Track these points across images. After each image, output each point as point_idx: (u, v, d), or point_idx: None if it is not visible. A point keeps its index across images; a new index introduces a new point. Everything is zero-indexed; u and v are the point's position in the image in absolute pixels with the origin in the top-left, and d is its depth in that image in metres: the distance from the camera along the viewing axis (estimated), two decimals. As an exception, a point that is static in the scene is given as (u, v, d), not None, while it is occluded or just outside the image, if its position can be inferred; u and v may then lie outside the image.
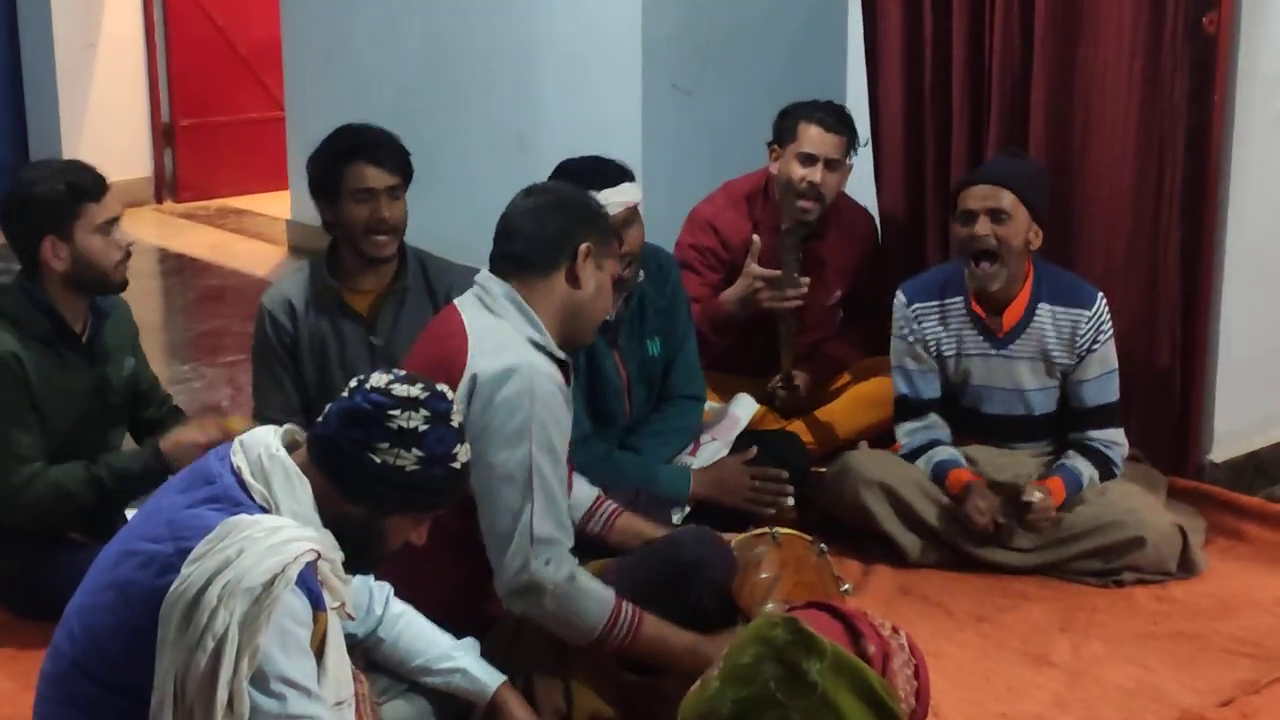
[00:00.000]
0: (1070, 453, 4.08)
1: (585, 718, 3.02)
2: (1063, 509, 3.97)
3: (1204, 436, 4.50)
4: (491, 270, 3.10)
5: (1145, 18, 4.22)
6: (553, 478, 2.93)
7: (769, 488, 3.83)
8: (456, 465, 2.48)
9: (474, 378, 2.91)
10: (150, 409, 3.95)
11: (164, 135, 9.27)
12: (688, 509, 3.82)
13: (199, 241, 8.52)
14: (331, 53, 7.64)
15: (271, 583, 2.28)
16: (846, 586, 3.44)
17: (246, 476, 2.43)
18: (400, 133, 3.91)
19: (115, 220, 3.64)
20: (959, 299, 4.11)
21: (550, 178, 3.61)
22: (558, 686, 3.02)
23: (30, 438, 3.57)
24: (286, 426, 2.55)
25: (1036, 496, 3.90)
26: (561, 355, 3.04)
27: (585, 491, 3.43)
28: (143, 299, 6.35)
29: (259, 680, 2.31)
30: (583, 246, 3.05)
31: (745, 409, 4.17)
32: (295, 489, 2.44)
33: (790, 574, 3.26)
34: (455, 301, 3.13)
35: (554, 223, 3.07)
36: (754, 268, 4.27)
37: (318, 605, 2.37)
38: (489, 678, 2.86)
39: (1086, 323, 4.03)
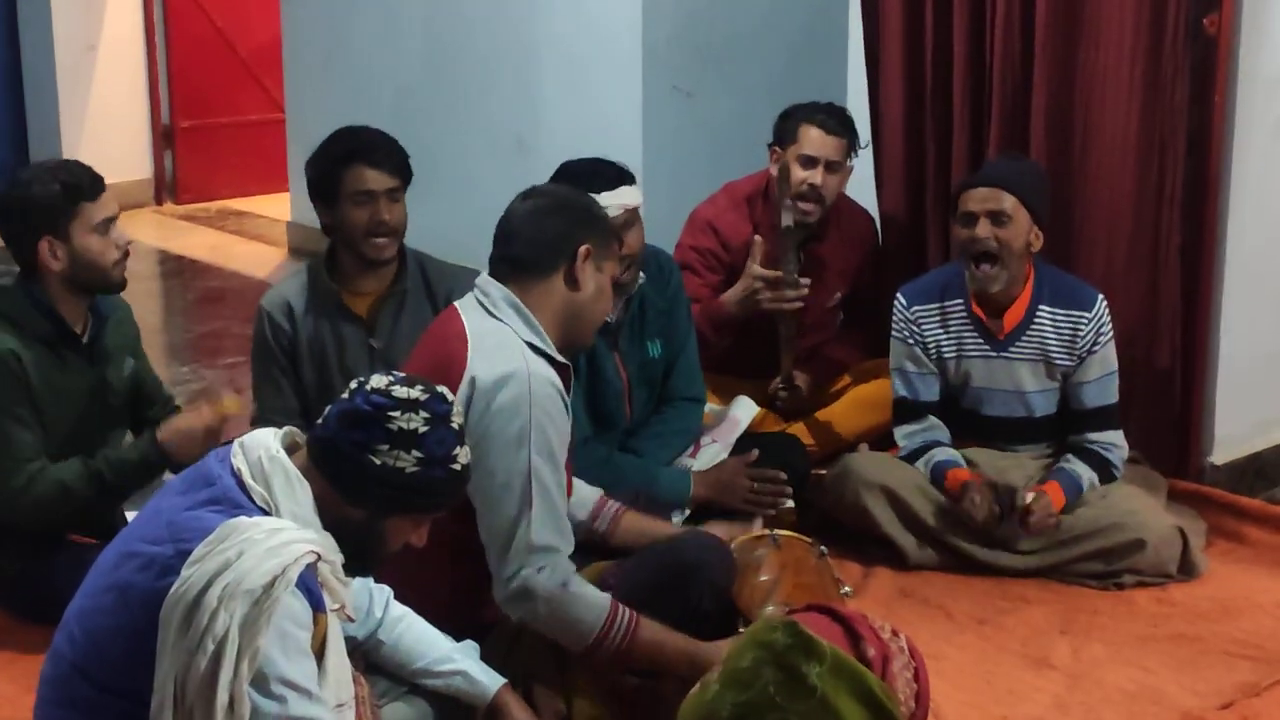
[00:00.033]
0: (1069, 456, 4.08)
1: (585, 720, 3.03)
2: (1063, 513, 3.97)
3: (1204, 439, 4.50)
4: (491, 273, 3.10)
5: (1146, 20, 4.22)
6: (551, 483, 2.93)
7: (768, 489, 3.83)
8: (456, 467, 2.48)
9: (473, 381, 2.91)
10: (154, 409, 3.95)
11: (164, 137, 9.28)
12: (688, 511, 3.82)
13: (199, 243, 8.52)
14: (331, 54, 7.64)
15: (271, 585, 2.28)
16: (847, 589, 3.43)
17: (246, 478, 2.43)
18: (400, 134, 3.91)
19: (112, 219, 3.64)
20: (959, 301, 4.11)
21: (551, 179, 3.61)
22: (557, 690, 3.02)
23: (31, 436, 3.57)
24: (286, 429, 2.55)
25: (1030, 498, 3.89)
26: (561, 359, 3.04)
27: (589, 490, 3.43)
28: (143, 301, 6.36)
29: (259, 682, 2.30)
30: (581, 248, 3.04)
31: (745, 411, 4.16)
32: (295, 491, 2.44)
33: (790, 576, 3.26)
34: (456, 304, 3.12)
35: (552, 225, 3.07)
36: (755, 268, 4.28)
37: (318, 607, 2.37)
38: (489, 680, 2.85)
39: (1087, 325, 4.03)
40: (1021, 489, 4.00)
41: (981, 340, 4.10)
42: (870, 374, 4.62)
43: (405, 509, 2.50)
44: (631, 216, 3.61)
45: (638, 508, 3.56)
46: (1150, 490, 4.18)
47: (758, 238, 4.33)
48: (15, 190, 3.61)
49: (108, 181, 3.69)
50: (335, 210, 3.78)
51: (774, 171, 4.44)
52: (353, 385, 2.49)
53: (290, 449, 2.50)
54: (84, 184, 3.60)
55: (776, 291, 4.28)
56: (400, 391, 2.45)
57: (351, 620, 2.63)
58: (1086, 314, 4.03)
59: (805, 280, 4.32)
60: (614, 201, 3.51)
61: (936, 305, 4.14)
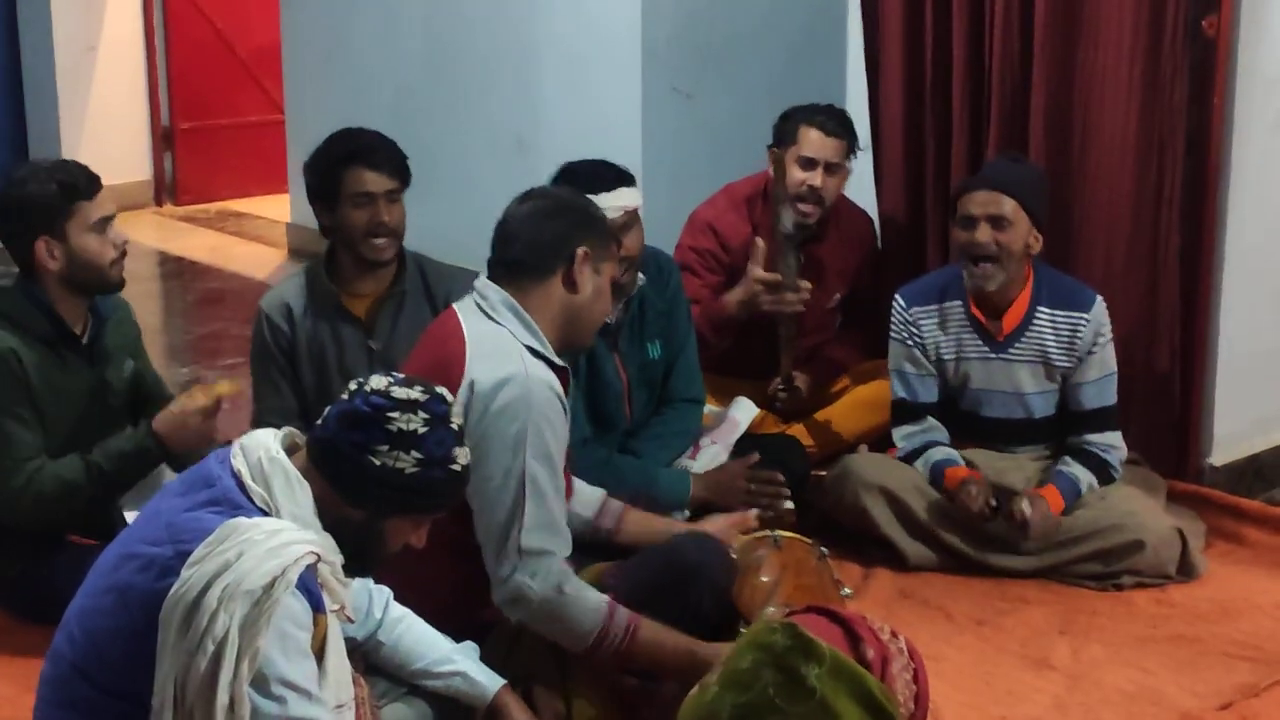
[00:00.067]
0: (1067, 458, 4.08)
1: (584, 721, 3.03)
2: (1062, 515, 3.96)
3: (1203, 439, 4.50)
4: (489, 276, 3.10)
5: (1145, 21, 4.23)
6: (547, 487, 2.93)
7: (765, 490, 3.82)
8: (456, 468, 2.49)
9: (471, 384, 2.91)
10: (155, 409, 3.94)
11: (164, 138, 9.27)
12: (687, 513, 3.82)
13: (198, 244, 8.52)
14: (331, 55, 7.64)
15: (271, 585, 2.28)
16: (847, 590, 3.43)
17: (246, 479, 2.43)
18: (400, 134, 3.91)
19: (109, 219, 3.63)
20: (958, 303, 4.11)
21: (552, 181, 3.61)
22: (557, 690, 3.02)
23: (31, 436, 3.57)
24: (286, 430, 2.55)
25: (1026, 506, 3.87)
26: (560, 362, 3.04)
27: (591, 490, 3.43)
28: (142, 302, 6.35)
29: (259, 683, 2.31)
30: (579, 251, 3.04)
31: (745, 412, 4.16)
32: (295, 492, 2.44)
33: (790, 577, 3.26)
34: (454, 306, 3.12)
35: (550, 227, 3.07)
36: (756, 271, 4.27)
37: (318, 608, 2.37)
38: (489, 681, 2.85)
39: (1086, 326, 4.03)
40: (1022, 489, 4.00)
41: (980, 342, 4.10)
42: (869, 375, 4.62)
43: (405, 510, 2.50)
44: (631, 218, 3.61)
45: (638, 509, 3.57)
46: (1149, 491, 4.18)
47: (759, 240, 4.32)
48: (12, 190, 3.60)
49: (107, 183, 3.69)
50: (335, 212, 3.77)
51: (772, 172, 4.44)
52: (352, 386, 2.50)
53: (290, 450, 2.50)
54: (80, 183, 3.60)
55: (777, 295, 4.28)
56: (399, 392, 2.45)
57: (351, 621, 2.64)
58: (1085, 315, 4.03)
59: (806, 284, 4.32)
60: (614, 203, 3.51)
61: (935, 307, 4.14)
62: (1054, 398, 4.12)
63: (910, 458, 4.14)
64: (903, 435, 4.18)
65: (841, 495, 4.11)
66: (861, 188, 4.81)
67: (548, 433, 2.92)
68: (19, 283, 3.66)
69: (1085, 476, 4.02)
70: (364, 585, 2.82)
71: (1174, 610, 3.85)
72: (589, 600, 2.94)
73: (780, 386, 4.47)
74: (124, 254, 3.68)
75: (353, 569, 2.52)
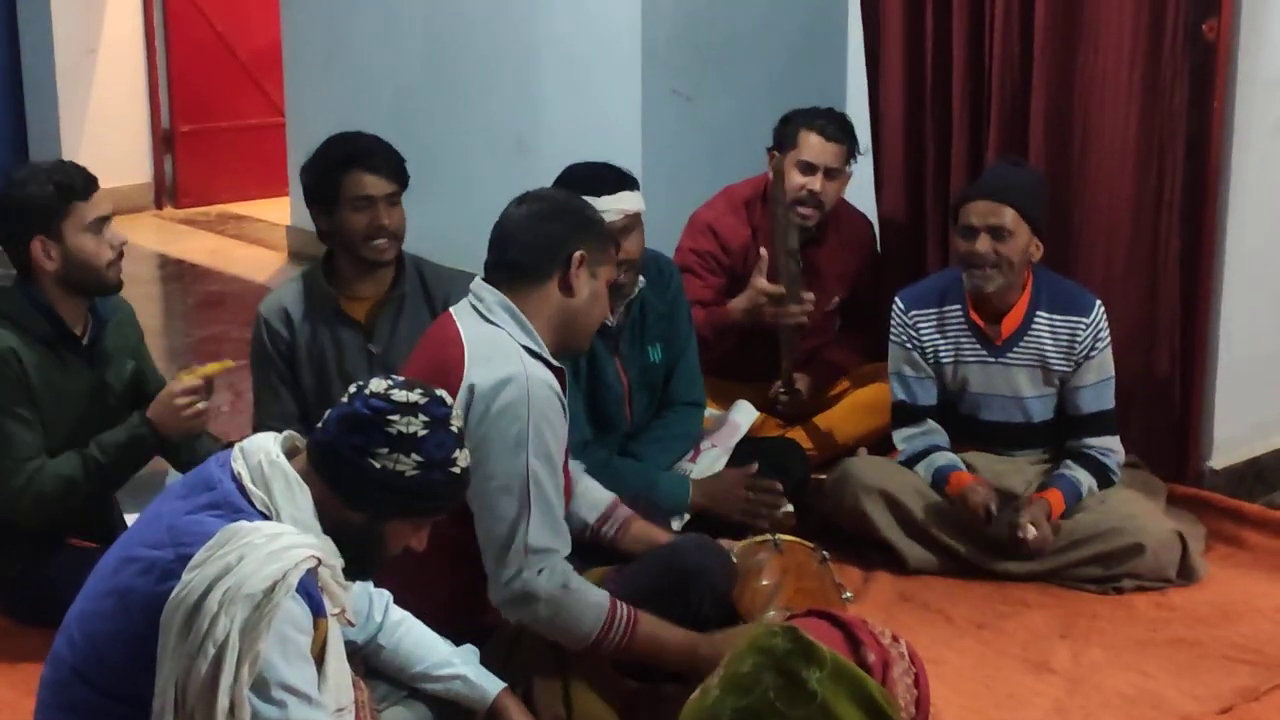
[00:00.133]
0: (1068, 462, 4.07)
1: (584, 724, 3.03)
2: (1062, 519, 3.96)
3: (1204, 443, 4.50)
4: (486, 279, 3.10)
5: (1145, 24, 4.22)
6: (549, 486, 2.93)
7: (763, 499, 3.82)
8: (456, 470, 2.49)
9: (471, 388, 2.91)
10: None
11: (164, 141, 9.26)
12: (687, 517, 3.82)
13: (199, 247, 8.52)
14: (331, 57, 7.64)
15: (272, 589, 2.28)
16: (848, 594, 3.43)
17: (247, 483, 2.43)
18: (400, 135, 3.91)
19: (106, 219, 3.63)
20: (957, 307, 4.11)
21: (554, 183, 3.61)
22: (557, 693, 3.02)
23: (31, 436, 3.57)
24: (286, 433, 2.55)
25: (1031, 533, 3.87)
26: (557, 363, 3.04)
27: (601, 495, 3.41)
28: (142, 304, 6.32)
29: (260, 687, 2.31)
30: (576, 254, 3.04)
31: (745, 416, 4.16)
32: (295, 495, 2.44)
33: (791, 581, 3.26)
34: (451, 309, 3.12)
35: (547, 230, 3.07)
36: (760, 282, 4.26)
37: (318, 612, 2.37)
38: (489, 684, 2.86)
39: (1084, 330, 4.03)
40: (1022, 492, 4.00)
41: (979, 346, 4.10)
42: (869, 378, 4.62)
43: (405, 512, 2.50)
44: (632, 221, 3.61)
45: (636, 512, 3.56)
46: (1149, 495, 4.18)
47: (763, 251, 4.31)
48: (9, 190, 3.60)
49: (107, 185, 3.69)
50: (334, 216, 3.77)
51: (772, 177, 4.44)
52: (352, 389, 2.50)
53: (290, 453, 2.50)
54: (76, 183, 3.59)
55: (780, 307, 4.27)
56: (399, 395, 2.45)
57: (351, 624, 2.64)
58: (1084, 319, 4.03)
59: (810, 295, 4.31)
60: (614, 206, 3.51)
61: (935, 310, 4.14)
62: (1052, 402, 4.12)
63: (912, 461, 4.14)
64: (903, 438, 4.18)
65: (841, 498, 4.11)
66: (861, 190, 4.81)
67: (548, 432, 2.93)
68: (18, 283, 3.65)
69: (1086, 480, 4.02)
70: (364, 588, 2.82)
71: (1174, 614, 3.85)
72: (592, 596, 2.94)
73: (781, 390, 4.46)
74: (121, 255, 3.67)
75: (353, 572, 2.52)
